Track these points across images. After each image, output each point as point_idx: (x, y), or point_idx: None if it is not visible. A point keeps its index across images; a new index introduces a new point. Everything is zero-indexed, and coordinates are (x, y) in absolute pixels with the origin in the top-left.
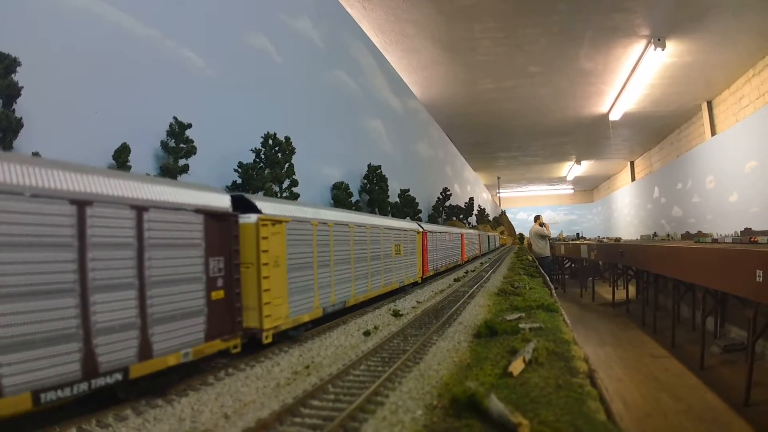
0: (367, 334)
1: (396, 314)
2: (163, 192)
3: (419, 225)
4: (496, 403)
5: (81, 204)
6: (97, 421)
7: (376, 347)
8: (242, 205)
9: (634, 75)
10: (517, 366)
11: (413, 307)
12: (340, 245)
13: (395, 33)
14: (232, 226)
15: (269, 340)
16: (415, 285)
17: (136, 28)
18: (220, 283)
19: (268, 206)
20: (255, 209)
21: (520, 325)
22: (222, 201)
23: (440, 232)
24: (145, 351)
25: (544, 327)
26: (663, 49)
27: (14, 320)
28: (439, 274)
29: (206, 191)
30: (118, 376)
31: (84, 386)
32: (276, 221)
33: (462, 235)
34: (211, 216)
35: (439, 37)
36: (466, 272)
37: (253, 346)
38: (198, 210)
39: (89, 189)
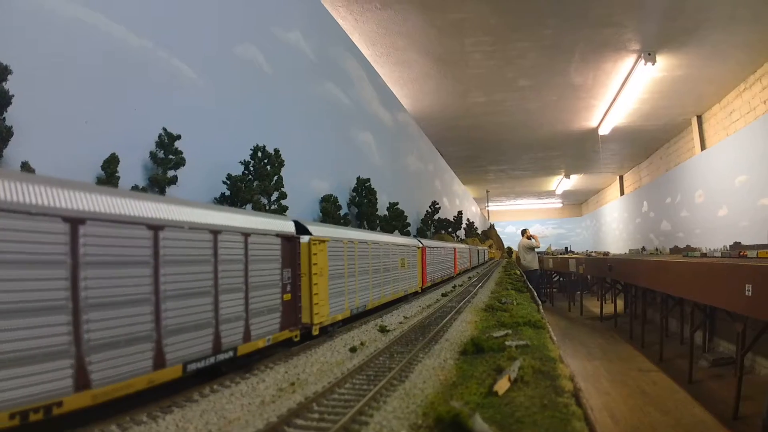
0: (353, 350)
1: (383, 330)
2: (257, 222)
3: (419, 241)
4: (480, 424)
5: (215, 232)
6: None
7: (361, 364)
8: (299, 228)
9: (624, 89)
10: (502, 385)
11: (400, 323)
12: (362, 259)
13: (386, 46)
14: (295, 245)
15: (317, 332)
16: (416, 294)
17: (128, 39)
18: (288, 288)
19: (316, 229)
20: (307, 231)
21: (507, 342)
22: (290, 227)
23: (437, 247)
24: (246, 336)
25: (530, 344)
26: (653, 64)
27: (177, 313)
28: (435, 285)
29: (280, 219)
30: (231, 354)
31: (212, 360)
32: (321, 241)
33: (455, 249)
34: (284, 238)
35: (430, 50)
36: (454, 287)
37: (304, 338)
38: (277, 234)
39: (219, 222)
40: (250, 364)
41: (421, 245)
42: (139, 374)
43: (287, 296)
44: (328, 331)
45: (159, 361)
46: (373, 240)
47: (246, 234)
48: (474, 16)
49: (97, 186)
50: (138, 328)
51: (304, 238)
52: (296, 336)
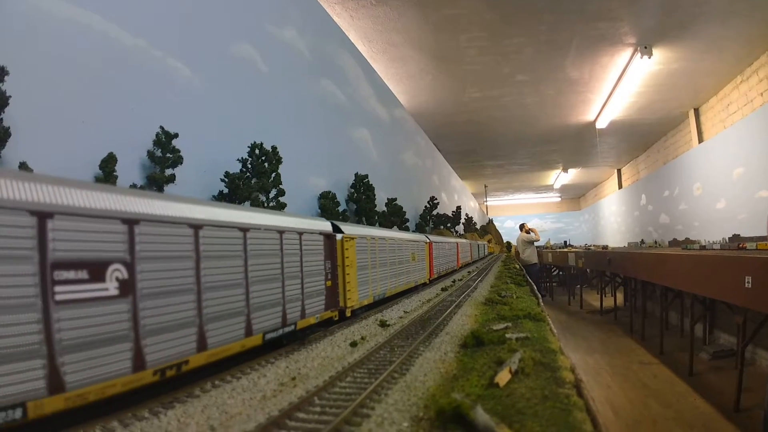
0: (353, 344)
1: (383, 324)
2: (306, 223)
3: (427, 237)
4: (482, 415)
5: (281, 232)
6: None
7: (362, 358)
8: (335, 228)
9: (621, 83)
10: (503, 377)
11: (400, 317)
12: (381, 254)
13: (382, 42)
14: (333, 242)
15: (349, 314)
16: (424, 285)
17: (123, 38)
18: (329, 276)
19: (347, 228)
20: (340, 230)
21: (507, 335)
22: (329, 227)
23: (441, 243)
24: (302, 314)
25: (530, 337)
26: (650, 57)
27: (259, 294)
28: (441, 277)
29: (321, 221)
30: (293, 327)
31: (280, 331)
32: (351, 238)
33: (457, 244)
34: (325, 236)
35: (426, 46)
36: (453, 281)
37: (340, 319)
38: (320, 233)
39: (282, 224)
40: (304, 337)
41: (428, 241)
42: (237, 340)
43: (329, 283)
44: (357, 314)
45: (248, 331)
46: (389, 237)
47: (300, 233)
48: (469, 12)
49: (211, 202)
50: (234, 305)
51: (339, 236)
52: (335, 316)
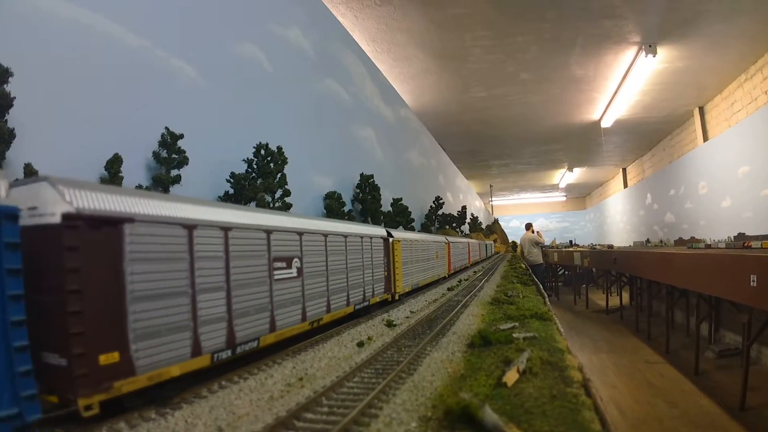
0: (360, 345)
1: (390, 324)
2: (374, 230)
3: (446, 238)
4: (490, 414)
5: (361, 237)
6: None
7: (369, 358)
8: (388, 233)
9: (626, 82)
10: (511, 376)
11: (407, 317)
12: (416, 252)
13: (386, 42)
14: (388, 243)
15: (397, 297)
16: (444, 278)
17: (127, 39)
18: (386, 268)
19: (395, 233)
20: (392, 235)
21: (514, 335)
22: (384, 233)
23: (456, 243)
24: (372, 293)
25: (537, 336)
26: (654, 56)
27: (353, 280)
28: (456, 272)
29: (379, 228)
30: (367, 303)
31: (363, 304)
32: (398, 241)
33: (468, 244)
34: (383, 239)
35: (430, 45)
36: (459, 281)
37: (392, 301)
38: (381, 237)
39: (365, 232)
40: (371, 312)
41: (447, 241)
42: (342, 308)
43: (386, 273)
44: (401, 299)
45: (348, 303)
46: (421, 239)
47: (371, 237)
48: (473, 11)
49: (307, 218)
50: (341, 285)
51: (390, 239)
52: (389, 298)
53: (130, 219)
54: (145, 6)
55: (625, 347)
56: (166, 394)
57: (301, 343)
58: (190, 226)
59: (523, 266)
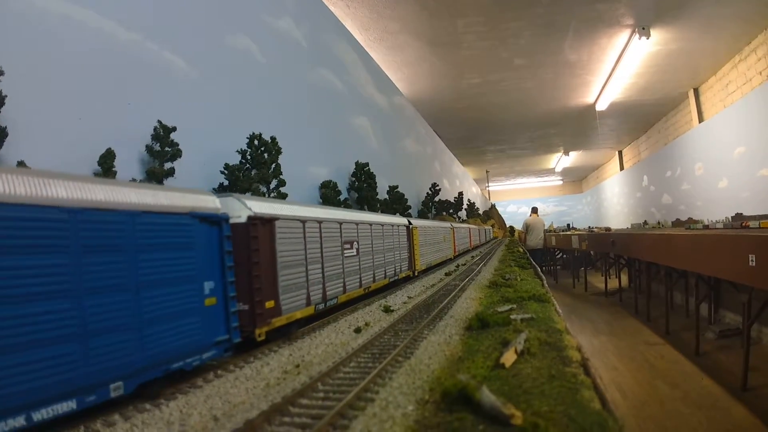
0: (357, 330)
1: (387, 310)
2: (396, 219)
3: (451, 225)
4: (487, 396)
5: (383, 225)
6: (85, 428)
7: (366, 344)
8: (408, 222)
9: (620, 65)
10: (509, 357)
11: (404, 303)
12: (428, 237)
13: (379, 30)
14: (410, 230)
15: (417, 274)
16: (449, 260)
17: (117, 33)
18: (409, 250)
19: (414, 221)
20: (410, 223)
21: (512, 317)
22: (405, 221)
23: (460, 228)
24: (400, 270)
25: (535, 317)
26: (648, 38)
27: (389, 258)
28: (460, 255)
29: (402, 218)
30: (397, 277)
31: (394, 278)
32: (416, 227)
33: (469, 229)
34: (405, 227)
35: (423, 33)
36: (457, 266)
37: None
38: (404, 225)
39: (390, 221)
40: (399, 284)
41: (452, 227)
42: (382, 279)
43: (408, 254)
44: (418, 276)
45: (385, 276)
46: (432, 225)
47: (395, 225)
48: None
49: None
50: (380, 262)
51: (410, 226)
52: (411, 274)
53: (277, 218)
54: (134, 0)
55: (624, 329)
56: (292, 331)
57: (300, 329)
58: (302, 221)
59: (521, 250)
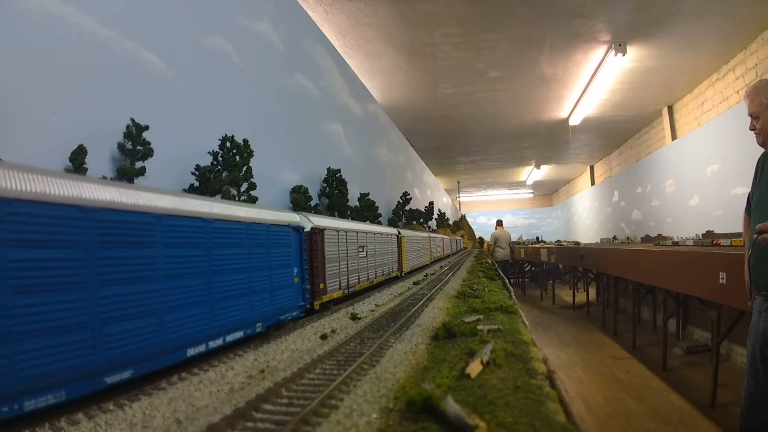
0: (323, 337)
1: (354, 317)
2: (390, 229)
3: (429, 234)
4: (452, 405)
5: (387, 234)
6: (49, 425)
7: (332, 350)
8: (398, 232)
9: (595, 80)
10: (474, 368)
11: (371, 311)
12: (413, 245)
13: (356, 37)
14: (399, 239)
15: (403, 275)
16: (427, 265)
17: (97, 30)
18: (398, 255)
19: (403, 231)
20: (400, 233)
21: (479, 327)
22: (396, 231)
23: (435, 237)
24: (389, 271)
25: (502, 328)
26: (624, 55)
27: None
28: (435, 261)
29: (393, 228)
30: (389, 276)
31: (383, 277)
32: (403, 236)
33: (443, 239)
34: (396, 236)
35: (400, 41)
36: (426, 275)
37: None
38: (394, 234)
39: (380, 231)
40: (389, 282)
41: (429, 237)
42: (380, 277)
43: (397, 258)
44: (404, 277)
45: (382, 274)
46: (414, 235)
47: (387, 234)
48: (443, 8)
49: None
50: (374, 264)
51: (400, 235)
52: (399, 274)
53: (325, 228)
54: None
55: (591, 343)
56: (331, 306)
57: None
58: (338, 230)
59: (490, 261)
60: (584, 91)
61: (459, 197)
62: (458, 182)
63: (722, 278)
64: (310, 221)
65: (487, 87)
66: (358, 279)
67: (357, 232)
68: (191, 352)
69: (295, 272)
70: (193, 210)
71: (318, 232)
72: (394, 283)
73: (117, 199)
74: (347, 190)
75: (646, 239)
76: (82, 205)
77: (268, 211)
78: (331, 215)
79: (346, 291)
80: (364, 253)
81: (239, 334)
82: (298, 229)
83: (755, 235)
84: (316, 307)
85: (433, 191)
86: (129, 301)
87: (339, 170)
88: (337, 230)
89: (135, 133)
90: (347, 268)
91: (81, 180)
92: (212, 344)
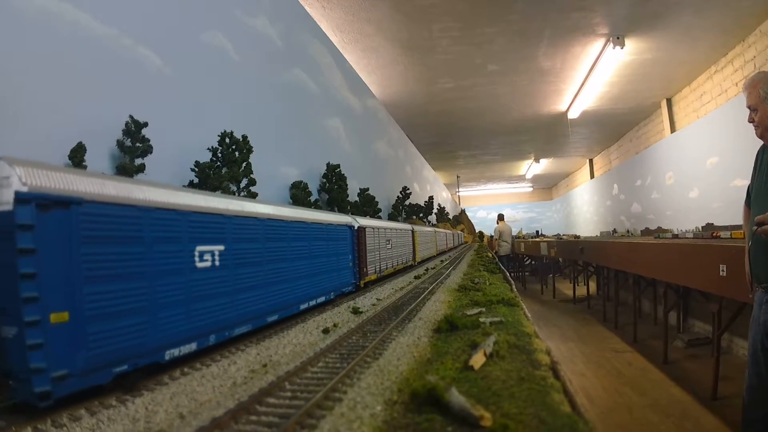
0: (326, 331)
1: (356, 312)
2: (405, 225)
3: (434, 230)
4: (457, 397)
5: (403, 229)
6: (52, 421)
7: (334, 344)
8: (412, 228)
9: (593, 73)
10: (477, 359)
11: (373, 305)
12: (423, 239)
13: (354, 32)
14: (413, 233)
15: (416, 263)
16: (433, 257)
17: (94, 27)
18: (412, 247)
19: (416, 227)
20: (413, 228)
21: (481, 320)
22: (410, 227)
23: (440, 232)
24: (405, 260)
25: (504, 321)
26: (622, 48)
27: (401, 251)
28: (440, 254)
29: (408, 225)
30: (406, 264)
31: (401, 266)
32: (415, 231)
33: (446, 233)
34: (410, 231)
35: (398, 36)
36: (426, 269)
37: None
38: (409, 230)
39: (398, 227)
40: (406, 269)
41: (435, 232)
42: (400, 265)
43: (411, 249)
44: (416, 266)
45: (401, 262)
46: (424, 230)
47: (406, 229)
48: (441, 2)
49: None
50: (396, 254)
51: (413, 231)
52: (413, 263)
53: (366, 227)
54: None
55: (592, 336)
56: (369, 286)
57: (266, 330)
58: (374, 228)
59: (490, 255)
60: (583, 84)
61: (458, 191)
62: (458, 176)
63: (722, 270)
64: (357, 222)
65: (485, 81)
66: (386, 265)
67: (385, 229)
68: (303, 306)
69: (350, 259)
70: (300, 217)
71: (362, 229)
72: (409, 270)
73: (241, 210)
74: (347, 185)
75: (646, 232)
76: (180, 209)
77: (335, 216)
78: (332, 210)
79: (378, 274)
80: (390, 245)
81: (323, 299)
82: (351, 228)
83: (755, 227)
84: (362, 285)
85: (433, 186)
86: (254, 276)
87: (338, 165)
88: (374, 228)
89: (134, 129)
90: (379, 256)
91: (189, 192)
92: (311, 303)
